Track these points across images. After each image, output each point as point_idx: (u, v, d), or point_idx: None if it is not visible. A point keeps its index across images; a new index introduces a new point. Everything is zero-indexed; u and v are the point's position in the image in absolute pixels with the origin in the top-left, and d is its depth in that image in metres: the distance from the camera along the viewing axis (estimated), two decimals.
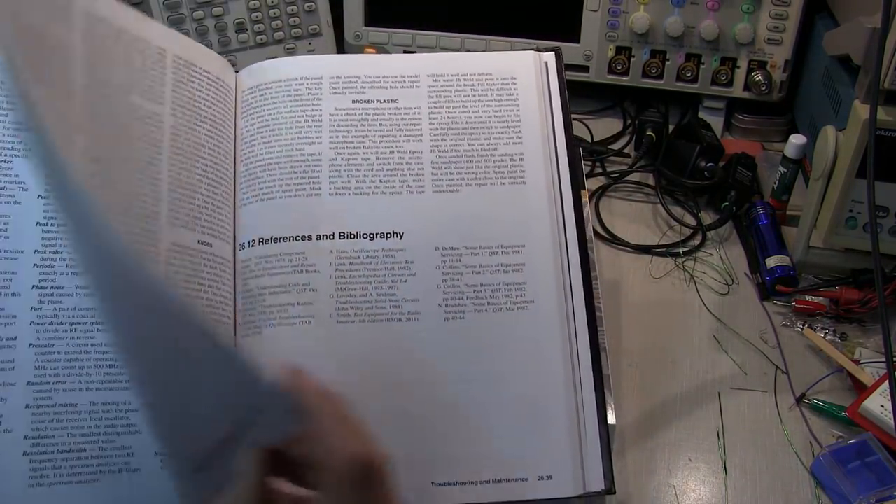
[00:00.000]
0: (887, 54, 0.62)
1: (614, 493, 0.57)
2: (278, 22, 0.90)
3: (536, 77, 0.66)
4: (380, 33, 0.95)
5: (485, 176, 0.63)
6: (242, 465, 0.38)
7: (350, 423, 0.40)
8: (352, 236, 0.60)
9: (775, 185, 0.81)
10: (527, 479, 0.56)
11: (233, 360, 0.37)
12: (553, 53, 0.67)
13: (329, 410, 0.40)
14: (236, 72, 0.66)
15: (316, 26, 0.92)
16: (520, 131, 0.64)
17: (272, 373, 0.37)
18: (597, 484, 0.56)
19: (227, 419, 0.39)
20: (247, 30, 0.90)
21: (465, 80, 0.66)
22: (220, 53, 0.63)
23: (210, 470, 0.40)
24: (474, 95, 0.65)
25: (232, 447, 0.39)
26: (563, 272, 0.61)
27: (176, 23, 0.87)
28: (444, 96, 0.65)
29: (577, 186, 0.63)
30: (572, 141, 0.64)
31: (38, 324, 0.52)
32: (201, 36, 0.88)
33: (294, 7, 0.90)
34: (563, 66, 0.66)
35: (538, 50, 0.67)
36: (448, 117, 0.64)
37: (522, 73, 0.66)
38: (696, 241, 0.82)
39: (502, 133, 0.64)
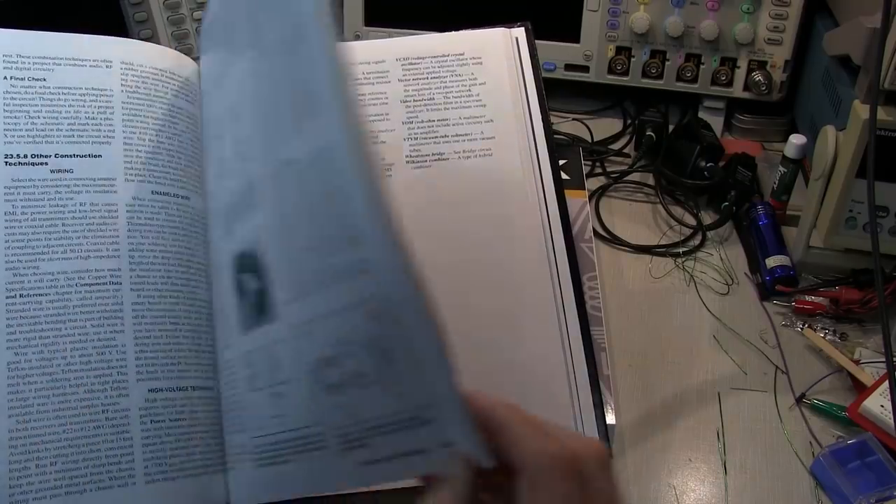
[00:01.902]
0: (887, 54, 0.62)
1: (610, 456, 0.57)
2: None
3: (507, 52, 0.67)
4: (380, 33, 0.95)
5: (456, 151, 0.64)
6: (451, 468, 0.38)
7: (540, 425, 0.39)
8: None
9: (775, 185, 0.81)
10: None
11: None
12: (522, 29, 0.69)
13: (518, 419, 0.39)
14: None
15: None
16: (490, 106, 0.65)
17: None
18: None
19: (398, 404, 0.38)
20: None
21: (435, 61, 0.67)
22: None
23: (364, 448, 0.39)
24: (446, 75, 0.66)
25: (393, 432, 0.38)
26: (546, 238, 0.62)
27: (176, 23, 0.87)
28: (415, 79, 0.66)
29: (553, 153, 0.65)
30: (546, 111, 0.66)
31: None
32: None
33: None
34: (533, 40, 0.68)
35: (507, 26, 0.69)
36: (420, 98, 0.66)
37: (492, 49, 0.68)
38: (696, 241, 0.82)
39: (474, 107, 0.66)
